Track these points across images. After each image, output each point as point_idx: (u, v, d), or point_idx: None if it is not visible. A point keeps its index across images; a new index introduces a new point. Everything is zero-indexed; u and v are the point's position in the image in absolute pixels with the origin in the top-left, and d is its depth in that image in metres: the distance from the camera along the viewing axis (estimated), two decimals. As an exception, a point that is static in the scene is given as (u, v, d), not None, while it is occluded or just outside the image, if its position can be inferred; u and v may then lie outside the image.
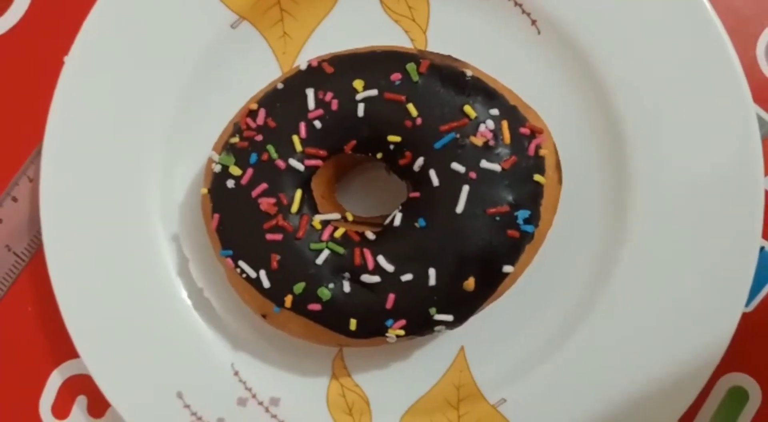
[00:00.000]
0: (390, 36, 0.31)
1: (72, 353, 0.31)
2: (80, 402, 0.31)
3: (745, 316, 0.29)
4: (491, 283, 0.27)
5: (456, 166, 0.26)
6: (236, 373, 0.30)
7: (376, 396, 0.30)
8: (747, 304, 0.29)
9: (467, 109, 0.27)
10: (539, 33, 0.30)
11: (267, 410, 0.30)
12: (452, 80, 0.27)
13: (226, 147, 0.28)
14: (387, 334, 0.27)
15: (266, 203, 0.27)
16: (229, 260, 0.28)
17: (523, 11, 0.30)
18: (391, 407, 0.29)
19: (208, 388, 0.30)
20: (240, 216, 0.27)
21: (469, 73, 0.27)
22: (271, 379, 0.30)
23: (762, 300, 0.30)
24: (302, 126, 0.27)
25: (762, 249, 0.29)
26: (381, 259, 0.27)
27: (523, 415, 0.29)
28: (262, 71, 0.31)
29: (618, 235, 0.29)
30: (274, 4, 0.31)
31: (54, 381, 0.32)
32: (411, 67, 0.27)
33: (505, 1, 0.30)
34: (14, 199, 0.31)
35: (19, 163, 0.32)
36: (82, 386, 0.32)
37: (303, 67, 0.28)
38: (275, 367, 0.30)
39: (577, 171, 0.29)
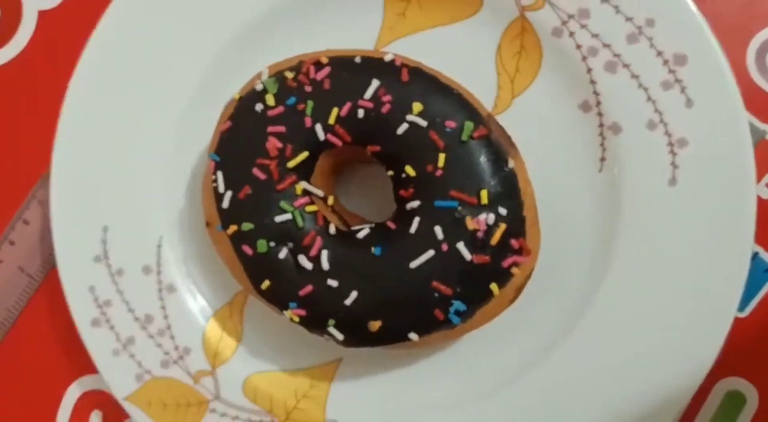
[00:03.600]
0: (483, 80, 0.31)
1: (86, 369, 0.33)
2: (95, 417, 0.33)
3: (740, 321, 0.29)
4: (392, 338, 0.28)
5: (437, 231, 0.27)
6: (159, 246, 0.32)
7: (248, 345, 0.31)
8: (742, 309, 0.30)
9: (483, 193, 0.27)
10: (600, 171, 0.30)
11: (160, 292, 0.32)
12: (493, 161, 0.27)
13: (279, 74, 0.29)
14: (285, 312, 0.28)
15: (273, 144, 0.28)
16: (212, 163, 0.29)
17: (603, 144, 0.30)
18: (250, 362, 0.31)
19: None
20: (246, 138, 0.28)
21: (511, 164, 0.28)
22: (183, 268, 0.32)
23: (757, 305, 0.30)
24: (348, 106, 0.28)
25: (755, 254, 0.30)
26: (324, 254, 0.28)
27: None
28: (361, 32, 0.31)
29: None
30: (414, -17, 0.31)
31: (70, 397, 0.33)
32: (468, 125, 0.27)
33: (596, 125, 0.30)
34: (25, 222, 0.32)
35: (28, 187, 0.33)
36: (97, 401, 0.33)
37: (387, 58, 0.28)
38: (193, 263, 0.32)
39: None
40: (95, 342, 0.31)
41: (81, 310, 0.31)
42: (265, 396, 0.31)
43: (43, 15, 0.34)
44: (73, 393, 0.33)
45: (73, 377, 0.33)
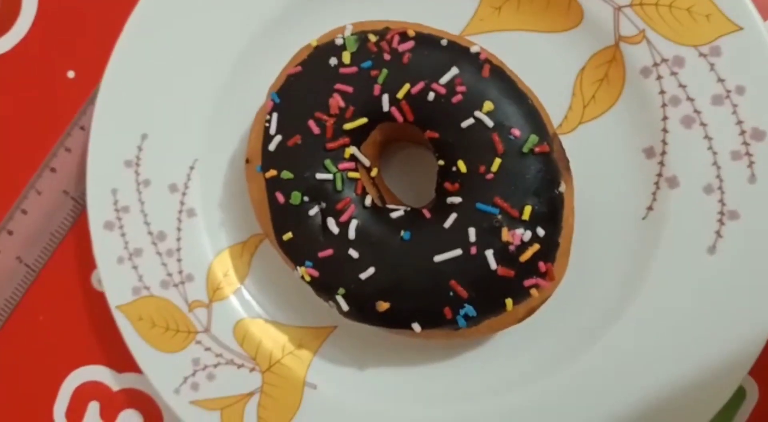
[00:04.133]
0: (557, 96, 0.30)
1: (83, 360, 0.33)
2: (92, 408, 0.33)
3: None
4: (395, 322, 0.28)
5: (471, 232, 0.27)
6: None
7: (249, 288, 0.31)
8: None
9: (527, 209, 0.27)
10: (643, 218, 0.29)
11: (180, 213, 0.31)
12: (546, 180, 0.27)
13: (362, 34, 0.28)
14: (298, 268, 0.28)
15: (336, 101, 0.28)
16: (271, 103, 0.28)
17: (655, 193, 0.29)
18: (248, 305, 0.31)
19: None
20: (311, 88, 0.28)
21: (562, 188, 0.27)
22: (209, 197, 0.31)
23: None
24: (421, 85, 0.27)
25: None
26: (353, 223, 0.28)
27: (317, 406, 0.30)
28: (450, 13, 0.30)
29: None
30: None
31: (67, 388, 0.33)
32: (533, 138, 0.27)
33: (654, 174, 0.29)
34: (23, 212, 0.32)
35: (27, 176, 0.33)
36: (94, 392, 0.33)
37: (474, 49, 0.28)
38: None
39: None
40: (103, 245, 0.31)
41: (98, 210, 0.31)
42: (253, 343, 0.31)
43: (42, 3, 0.33)
44: (70, 384, 0.33)
45: (70, 368, 0.33)
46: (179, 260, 0.31)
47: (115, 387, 0.33)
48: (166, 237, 0.31)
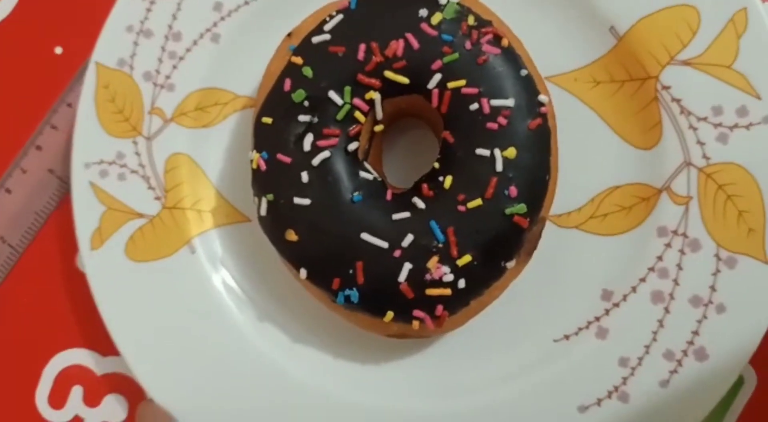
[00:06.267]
0: (579, 188, 0.29)
1: (67, 344, 0.31)
2: (76, 392, 0.31)
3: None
4: (290, 256, 0.27)
5: (407, 238, 0.26)
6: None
7: (213, 135, 0.31)
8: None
9: (465, 258, 0.26)
10: (555, 340, 0.29)
11: (201, 37, 0.31)
12: (499, 248, 0.26)
13: (466, 11, 0.27)
14: (253, 152, 0.28)
15: (397, 46, 0.26)
16: (347, 2, 0.27)
17: (570, 334, 0.29)
18: (197, 147, 0.31)
19: None
20: (386, 18, 0.27)
21: (509, 266, 0.26)
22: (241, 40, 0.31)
23: None
24: (473, 91, 0.26)
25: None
26: (322, 154, 0.27)
27: (182, 266, 0.30)
28: (559, 57, 0.29)
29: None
30: None
31: (50, 372, 0.31)
32: (520, 208, 0.26)
33: (593, 315, 0.29)
34: (8, 191, 0.30)
35: (11, 154, 0.31)
36: (78, 376, 0.31)
37: (541, 98, 0.26)
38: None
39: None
40: (126, 6, 0.30)
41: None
42: (175, 179, 0.30)
43: None
44: (53, 368, 0.32)
45: (53, 351, 0.32)
46: (174, 67, 0.30)
47: (99, 371, 0.32)
48: (181, 40, 0.30)
